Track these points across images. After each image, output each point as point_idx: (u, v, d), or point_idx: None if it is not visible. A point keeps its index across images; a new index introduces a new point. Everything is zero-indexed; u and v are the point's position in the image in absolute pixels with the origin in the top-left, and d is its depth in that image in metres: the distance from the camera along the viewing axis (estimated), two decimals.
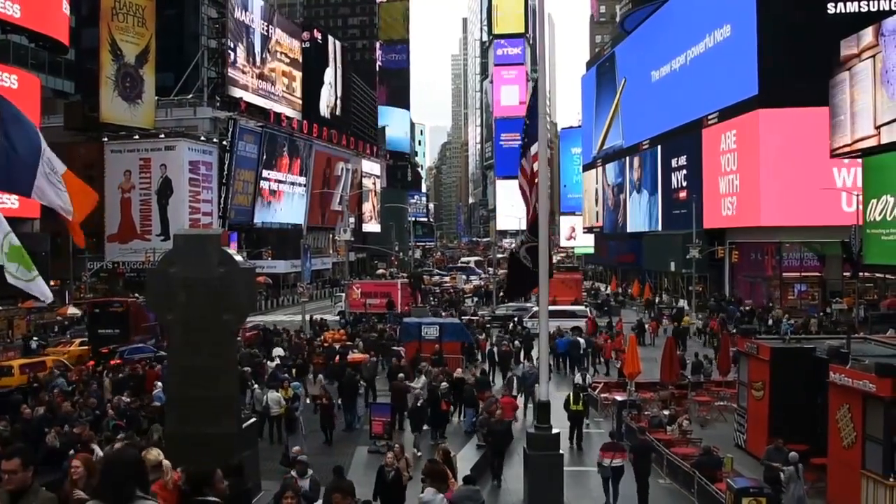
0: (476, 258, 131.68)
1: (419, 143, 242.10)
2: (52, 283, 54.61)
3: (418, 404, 23.23)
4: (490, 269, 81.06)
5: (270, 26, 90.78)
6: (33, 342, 42.82)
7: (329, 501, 11.16)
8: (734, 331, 36.16)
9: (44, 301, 13.62)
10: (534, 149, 17.44)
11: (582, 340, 36.26)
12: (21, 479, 5.84)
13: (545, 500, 14.91)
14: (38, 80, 56.44)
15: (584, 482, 19.90)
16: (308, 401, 26.43)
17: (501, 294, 59.36)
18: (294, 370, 30.23)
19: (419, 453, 21.09)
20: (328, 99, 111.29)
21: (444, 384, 25.11)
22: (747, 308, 50.26)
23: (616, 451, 18.16)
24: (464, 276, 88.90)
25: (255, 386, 25.20)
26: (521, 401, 26.72)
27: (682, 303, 59.45)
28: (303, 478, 14.09)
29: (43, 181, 10.98)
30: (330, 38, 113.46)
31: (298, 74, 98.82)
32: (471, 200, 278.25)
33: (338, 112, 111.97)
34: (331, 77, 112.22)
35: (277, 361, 31.53)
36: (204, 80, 79.84)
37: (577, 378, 27.49)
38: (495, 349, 35.39)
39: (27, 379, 29.39)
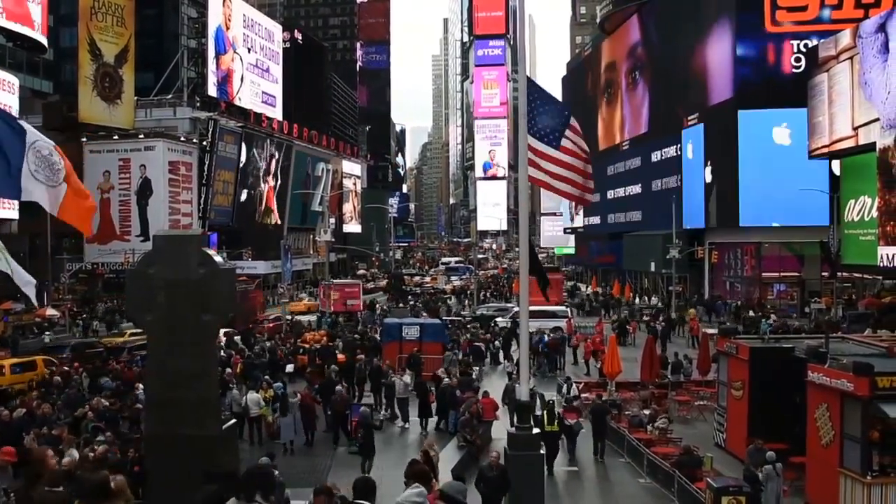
0: (457, 258, 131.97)
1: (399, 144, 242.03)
2: None
3: (365, 425, 20.09)
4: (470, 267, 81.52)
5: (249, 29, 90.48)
6: (46, 336, 43.61)
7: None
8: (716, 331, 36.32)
9: (27, 293, 13.55)
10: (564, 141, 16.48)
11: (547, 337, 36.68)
12: None
13: (526, 499, 14.92)
14: None
15: (566, 482, 19.97)
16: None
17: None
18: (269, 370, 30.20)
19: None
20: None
21: (447, 380, 25.69)
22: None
23: (574, 413, 22.65)
24: (445, 277, 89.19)
25: (234, 387, 25.09)
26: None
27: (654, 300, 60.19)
28: None
29: (30, 180, 10.87)
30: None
31: (279, 75, 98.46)
32: (451, 201, 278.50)
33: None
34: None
35: None
36: (184, 80, 79.40)
37: (563, 388, 26.99)
38: (482, 345, 36.62)
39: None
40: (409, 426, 25.00)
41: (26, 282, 12.31)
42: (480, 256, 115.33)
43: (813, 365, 17.71)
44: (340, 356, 32.44)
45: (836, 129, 43.02)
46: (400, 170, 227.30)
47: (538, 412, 21.45)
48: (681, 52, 63.47)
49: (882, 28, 38.96)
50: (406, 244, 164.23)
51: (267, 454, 16.41)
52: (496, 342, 38.50)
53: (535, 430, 15.98)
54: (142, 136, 69.82)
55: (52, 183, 11.47)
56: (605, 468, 21.48)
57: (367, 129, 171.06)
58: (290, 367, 31.90)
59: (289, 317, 51.99)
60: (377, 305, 58.68)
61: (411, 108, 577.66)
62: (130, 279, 15.15)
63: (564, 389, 26.42)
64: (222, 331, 37.79)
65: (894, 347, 18.28)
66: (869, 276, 46.90)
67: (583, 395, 27.21)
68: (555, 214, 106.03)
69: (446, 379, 25.91)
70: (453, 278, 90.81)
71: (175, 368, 13.73)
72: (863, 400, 15.80)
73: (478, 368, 34.16)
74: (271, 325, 47.78)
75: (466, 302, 65.47)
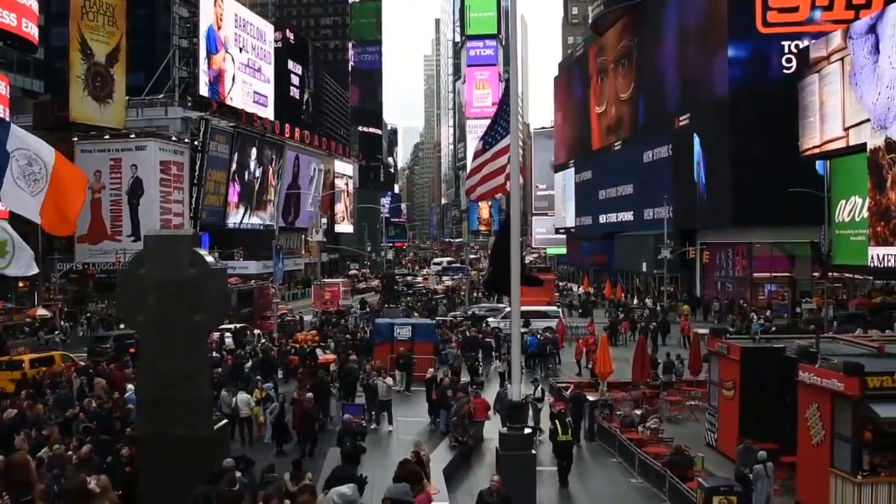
0: (448, 258, 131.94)
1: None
2: (20, 284, 54.10)
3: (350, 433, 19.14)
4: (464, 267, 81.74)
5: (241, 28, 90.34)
6: (56, 336, 43.91)
7: None
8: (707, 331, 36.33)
9: (27, 273, 13.53)
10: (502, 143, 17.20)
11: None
12: None
13: (518, 500, 14.90)
14: None
15: (557, 482, 19.97)
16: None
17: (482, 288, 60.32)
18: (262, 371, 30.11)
19: None
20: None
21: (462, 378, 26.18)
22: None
23: (560, 400, 25.30)
24: (437, 277, 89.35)
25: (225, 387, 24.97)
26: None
27: (648, 301, 60.19)
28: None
29: (10, 185, 10.83)
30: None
31: (270, 75, 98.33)
32: (443, 201, 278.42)
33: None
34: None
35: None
36: (175, 79, 79.25)
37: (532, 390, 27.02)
38: (491, 341, 37.06)
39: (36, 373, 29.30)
40: (394, 429, 24.88)
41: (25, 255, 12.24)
42: (472, 256, 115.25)
43: (804, 365, 17.75)
44: (323, 358, 32.38)
45: (827, 129, 43.17)
46: (392, 170, 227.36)
47: (532, 421, 21.57)
48: (672, 52, 63.55)
49: (872, 29, 39.14)
50: (391, 244, 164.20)
51: (231, 457, 16.05)
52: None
53: (528, 431, 15.99)
54: (133, 135, 69.55)
55: (31, 192, 11.45)
56: (596, 468, 21.51)
57: (359, 129, 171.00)
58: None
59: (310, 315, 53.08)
60: (367, 305, 58.74)
61: (403, 108, 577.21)
62: (121, 279, 15.12)
63: (532, 392, 26.67)
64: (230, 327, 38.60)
65: (884, 347, 18.34)
66: (860, 277, 47.00)
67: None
68: (546, 215, 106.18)
69: (463, 378, 26.16)
70: (444, 278, 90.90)
71: (166, 369, 13.72)
72: (853, 400, 15.83)
73: (483, 366, 34.26)
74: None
75: (458, 301, 65.48)
